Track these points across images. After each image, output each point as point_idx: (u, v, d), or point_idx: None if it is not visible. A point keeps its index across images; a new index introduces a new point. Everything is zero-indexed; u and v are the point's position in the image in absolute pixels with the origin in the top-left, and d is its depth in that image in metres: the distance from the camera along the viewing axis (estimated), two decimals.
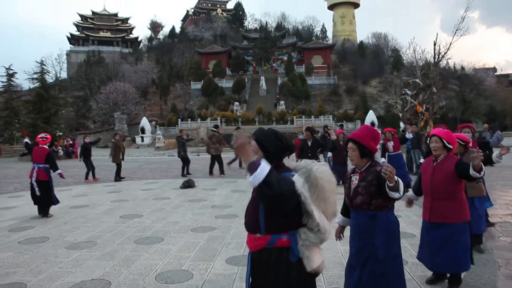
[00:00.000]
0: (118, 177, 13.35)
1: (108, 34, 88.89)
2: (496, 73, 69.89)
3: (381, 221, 2.83)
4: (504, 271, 4.35)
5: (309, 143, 9.17)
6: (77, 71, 66.07)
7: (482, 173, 3.31)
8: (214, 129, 14.74)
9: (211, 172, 13.83)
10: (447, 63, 56.97)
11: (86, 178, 13.58)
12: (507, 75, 71.92)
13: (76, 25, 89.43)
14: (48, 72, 53.88)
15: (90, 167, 13.69)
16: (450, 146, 3.64)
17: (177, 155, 14.63)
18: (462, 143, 5.07)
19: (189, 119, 46.46)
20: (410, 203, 4.07)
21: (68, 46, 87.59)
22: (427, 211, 3.70)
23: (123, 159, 13.82)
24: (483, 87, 59.01)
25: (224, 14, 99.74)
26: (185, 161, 14.23)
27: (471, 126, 6.23)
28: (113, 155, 13.63)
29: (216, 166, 13.80)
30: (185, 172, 14.06)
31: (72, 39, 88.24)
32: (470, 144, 5.53)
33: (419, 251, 3.96)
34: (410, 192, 4.04)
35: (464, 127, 6.17)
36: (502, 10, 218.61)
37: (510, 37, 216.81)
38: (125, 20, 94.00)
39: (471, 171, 3.30)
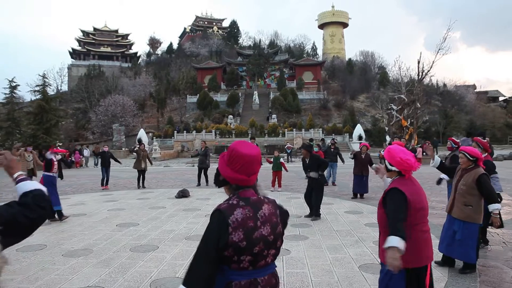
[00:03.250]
0: (141, 184, 14.01)
1: (109, 49, 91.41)
2: (475, 90, 71.74)
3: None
4: (484, 278, 4.49)
5: (307, 161, 8.61)
6: (78, 84, 67.72)
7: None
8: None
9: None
10: (430, 80, 58.27)
11: (102, 185, 14.04)
12: (486, 92, 74.18)
13: (78, 40, 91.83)
14: (50, 85, 55.72)
15: (104, 174, 14.03)
16: (393, 168, 2.80)
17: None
18: (472, 158, 4.64)
19: (185, 131, 47.62)
20: None
21: (69, 60, 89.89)
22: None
23: (144, 168, 14.13)
24: (464, 103, 60.64)
25: (220, 31, 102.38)
26: (199, 171, 14.47)
27: (478, 140, 5.81)
28: (136, 162, 14.30)
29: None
30: (199, 182, 14.31)
31: (74, 53, 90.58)
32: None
33: None
34: None
35: (473, 141, 5.91)
36: (482, 31, 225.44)
37: (489, 56, 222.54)
38: (125, 36, 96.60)
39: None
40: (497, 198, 4.59)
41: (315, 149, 8.61)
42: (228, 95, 60.89)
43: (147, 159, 14.45)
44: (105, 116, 52.03)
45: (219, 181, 2.05)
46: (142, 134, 44.90)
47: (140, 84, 66.02)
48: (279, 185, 12.88)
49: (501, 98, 73.74)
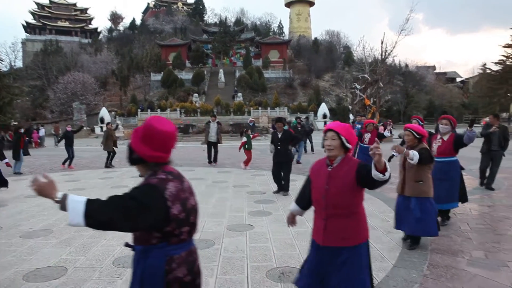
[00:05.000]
0: (109, 164, 13.87)
1: (67, 24, 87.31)
2: (435, 71, 74.39)
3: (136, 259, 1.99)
4: (434, 246, 4.88)
5: (279, 135, 8.54)
6: (34, 60, 64.99)
7: (386, 174, 2.37)
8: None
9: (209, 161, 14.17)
10: (393, 60, 59.61)
11: (63, 164, 14.02)
12: (445, 73, 77.44)
13: (33, 13, 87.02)
14: (2, 60, 52.76)
15: (70, 154, 14.04)
16: (349, 146, 2.65)
17: None
18: (418, 136, 4.72)
19: (149, 110, 47.10)
20: (293, 220, 3.14)
21: (23, 35, 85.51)
22: (320, 232, 2.72)
23: (115, 147, 14.18)
24: (424, 83, 62.65)
25: (185, 7, 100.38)
26: None
27: (450, 118, 5.87)
28: (105, 143, 14.09)
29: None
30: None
31: (28, 27, 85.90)
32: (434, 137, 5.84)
33: (301, 280, 2.87)
34: (293, 205, 3.07)
35: (443, 118, 5.87)
36: (444, 13, 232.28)
37: (450, 38, 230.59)
38: (84, 10, 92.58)
39: (373, 172, 2.38)
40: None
41: (285, 127, 8.72)
42: (193, 73, 60.57)
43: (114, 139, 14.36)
44: (64, 94, 50.42)
45: (133, 160, 1.98)
46: (104, 112, 44.21)
47: (102, 61, 64.01)
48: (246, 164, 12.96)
49: (458, 79, 77.08)
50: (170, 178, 1.91)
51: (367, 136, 9.62)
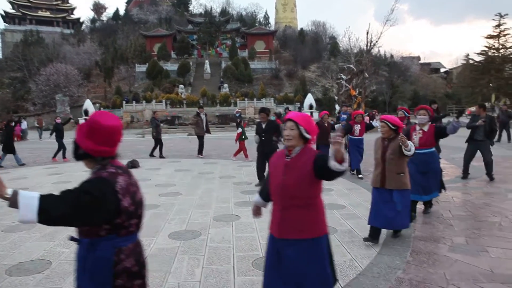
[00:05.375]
0: None
1: (48, 14, 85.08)
2: (420, 62, 75.04)
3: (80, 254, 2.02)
4: (417, 234, 5.02)
5: (263, 126, 8.39)
6: (13, 51, 63.05)
7: (344, 165, 2.31)
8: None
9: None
10: (378, 51, 59.81)
11: (64, 157, 14.02)
12: (429, 64, 78.28)
13: (11, 2, 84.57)
14: None
15: (61, 147, 14.11)
16: (308, 136, 2.56)
17: (151, 136, 14.86)
18: (393, 127, 4.63)
19: (134, 102, 46.47)
20: (257, 211, 3.13)
21: (2, 25, 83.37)
22: (276, 224, 2.64)
23: None
24: (409, 73, 62.94)
25: None
26: (158, 143, 14.21)
27: (428, 108, 5.85)
28: None
29: None
30: (154, 153, 14.28)
31: (7, 17, 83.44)
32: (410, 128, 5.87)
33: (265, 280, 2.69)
34: (257, 197, 3.07)
35: (421, 109, 5.82)
36: (429, 4, 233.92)
37: (434, 29, 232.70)
38: (66, 0, 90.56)
39: (331, 162, 2.31)
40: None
41: (273, 117, 8.44)
42: (178, 64, 59.73)
43: None
44: (46, 86, 49.25)
45: (79, 155, 2.02)
46: (88, 105, 43.16)
47: (85, 52, 62.69)
48: (235, 155, 13.04)
49: (442, 70, 78.10)
50: (119, 172, 1.96)
51: (357, 127, 9.44)
